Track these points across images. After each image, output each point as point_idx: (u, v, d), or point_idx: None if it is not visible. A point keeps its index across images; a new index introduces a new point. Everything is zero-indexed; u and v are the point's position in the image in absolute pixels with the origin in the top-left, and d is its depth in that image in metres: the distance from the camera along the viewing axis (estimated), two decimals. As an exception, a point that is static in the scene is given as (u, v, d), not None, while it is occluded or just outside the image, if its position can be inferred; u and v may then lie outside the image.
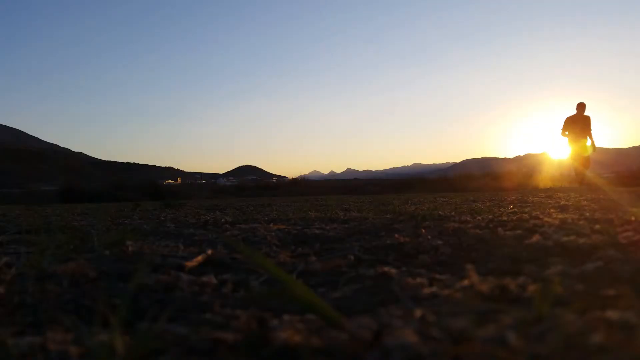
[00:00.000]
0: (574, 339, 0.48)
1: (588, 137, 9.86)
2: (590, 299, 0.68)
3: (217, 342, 0.52)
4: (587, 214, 2.20)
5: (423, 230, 1.75)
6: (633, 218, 1.78)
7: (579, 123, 9.87)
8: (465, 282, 0.79)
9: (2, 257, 1.07)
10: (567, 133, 10.03)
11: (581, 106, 9.97)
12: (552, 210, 2.68)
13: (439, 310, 0.64)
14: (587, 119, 9.96)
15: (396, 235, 1.54)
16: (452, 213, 2.54)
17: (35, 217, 3.55)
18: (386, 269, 0.95)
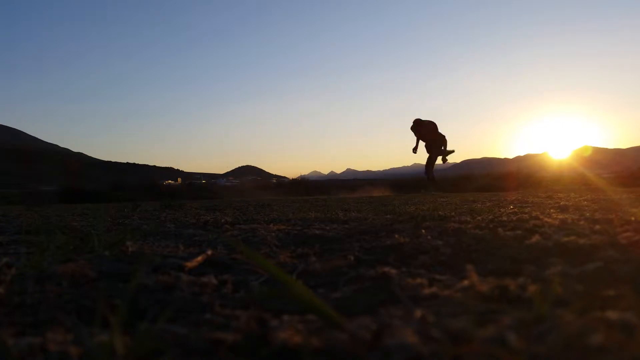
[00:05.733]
0: (574, 339, 0.48)
1: None
2: (590, 299, 0.68)
3: (217, 342, 0.52)
4: (587, 214, 2.20)
5: (423, 231, 1.75)
6: (633, 218, 1.78)
7: None
8: (466, 283, 0.79)
9: (2, 258, 1.07)
10: None
11: None
12: (552, 210, 2.68)
13: (439, 311, 0.64)
14: None
15: (396, 236, 1.54)
16: (452, 213, 2.54)
17: (35, 218, 3.55)
18: (386, 269, 0.95)
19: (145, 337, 0.51)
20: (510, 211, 2.66)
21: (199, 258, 1.21)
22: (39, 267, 1.02)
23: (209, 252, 1.29)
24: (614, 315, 0.53)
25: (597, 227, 1.52)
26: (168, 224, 2.64)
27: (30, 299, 0.78)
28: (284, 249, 1.48)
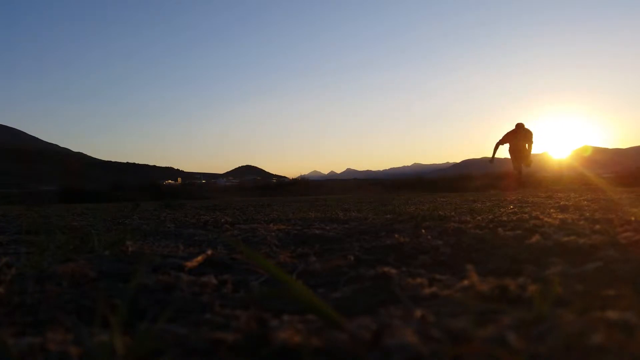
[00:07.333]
0: (574, 339, 0.48)
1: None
2: (590, 299, 0.68)
3: (217, 342, 0.52)
4: (587, 214, 2.20)
5: (423, 231, 1.75)
6: (633, 218, 1.78)
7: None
8: (466, 283, 0.79)
9: (2, 257, 1.07)
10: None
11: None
12: (552, 210, 2.68)
13: (439, 311, 0.64)
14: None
15: (396, 236, 1.54)
16: (452, 213, 2.54)
17: (35, 218, 3.55)
18: (386, 269, 0.95)
19: (145, 337, 0.51)
20: (510, 211, 2.66)
21: (199, 258, 1.21)
22: (39, 267, 1.02)
23: (209, 252, 1.29)
24: (614, 315, 0.53)
25: (597, 227, 1.52)
26: (168, 223, 2.64)
27: (30, 299, 0.78)
28: (284, 249, 1.48)
